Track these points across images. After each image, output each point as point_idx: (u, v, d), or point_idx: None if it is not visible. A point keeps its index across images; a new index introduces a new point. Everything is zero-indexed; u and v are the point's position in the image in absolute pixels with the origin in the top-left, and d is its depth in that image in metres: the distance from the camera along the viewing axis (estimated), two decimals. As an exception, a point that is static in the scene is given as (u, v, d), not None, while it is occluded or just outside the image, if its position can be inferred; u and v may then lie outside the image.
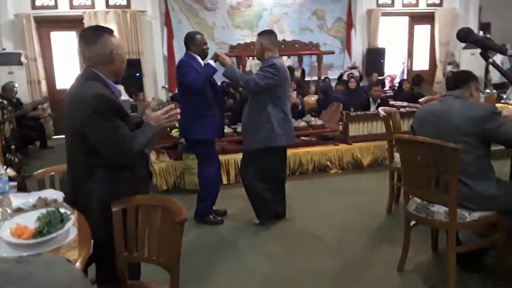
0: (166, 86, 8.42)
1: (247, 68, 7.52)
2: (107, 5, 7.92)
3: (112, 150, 1.76)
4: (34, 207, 1.58)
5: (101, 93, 1.75)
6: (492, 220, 2.44)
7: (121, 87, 4.72)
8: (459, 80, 2.52)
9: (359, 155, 5.06)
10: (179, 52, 7.97)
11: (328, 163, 4.99)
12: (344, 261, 2.97)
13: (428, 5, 9.58)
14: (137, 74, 7.96)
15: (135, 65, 7.87)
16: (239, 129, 4.54)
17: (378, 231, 3.45)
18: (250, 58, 7.69)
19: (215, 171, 3.64)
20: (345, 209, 3.90)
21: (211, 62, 3.40)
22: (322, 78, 7.52)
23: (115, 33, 6.94)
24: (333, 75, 8.62)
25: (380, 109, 3.90)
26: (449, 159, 2.31)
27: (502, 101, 3.59)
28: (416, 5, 9.51)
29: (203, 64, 3.48)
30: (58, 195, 1.73)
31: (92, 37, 1.84)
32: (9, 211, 1.49)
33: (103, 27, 1.92)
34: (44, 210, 1.48)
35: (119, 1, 8.00)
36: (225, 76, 3.42)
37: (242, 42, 7.65)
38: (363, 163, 5.06)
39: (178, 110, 2.03)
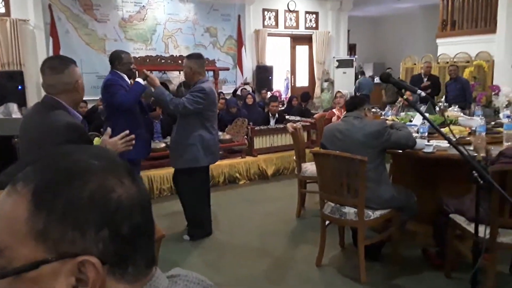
0: (53, 100, 7.88)
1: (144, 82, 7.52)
2: (-17, 12, 7.15)
3: None
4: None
5: (72, 122, 1.81)
6: (389, 216, 3.05)
7: (14, 105, 4.43)
8: (356, 103, 3.13)
9: (264, 166, 5.53)
10: (68, 65, 7.56)
11: (237, 174, 5.35)
12: (270, 262, 3.33)
13: (306, 28, 10.70)
14: (19, 87, 7.32)
15: (16, 78, 7.21)
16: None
17: (293, 233, 3.90)
18: (148, 72, 7.73)
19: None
20: (260, 216, 4.29)
21: (140, 80, 3.43)
22: (218, 92, 7.90)
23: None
24: (227, 90, 9.06)
25: (288, 125, 4.39)
26: (357, 168, 2.84)
27: (382, 117, 4.37)
28: (297, 27, 10.54)
29: (129, 83, 3.50)
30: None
31: (60, 66, 1.88)
32: None
33: (68, 57, 1.97)
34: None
35: (-3, 8, 7.28)
36: (155, 98, 3.50)
37: (137, 56, 7.61)
38: (268, 173, 5.54)
39: (133, 136, 2.15)
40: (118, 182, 0.56)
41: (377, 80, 13.36)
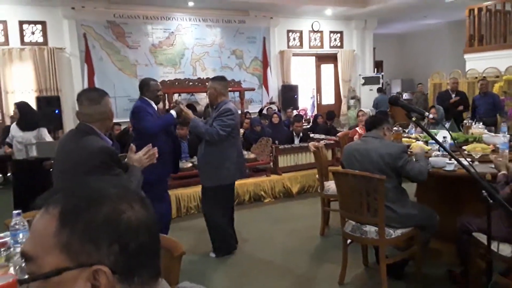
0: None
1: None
2: (22, 42, 7.67)
3: None
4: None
5: (105, 146, 1.99)
6: (410, 235, 3.04)
7: (45, 130, 4.72)
8: (374, 122, 3.16)
9: (289, 184, 5.59)
10: (101, 88, 7.94)
11: (262, 193, 5.43)
12: (293, 281, 3.37)
13: (331, 47, 10.81)
14: (56, 111, 7.75)
15: (53, 102, 7.69)
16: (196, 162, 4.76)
17: (316, 251, 3.92)
18: (176, 94, 8.02)
19: (167, 207, 3.83)
20: (284, 234, 4.34)
21: (173, 113, 3.62)
22: (245, 112, 8.07)
23: (31, 70, 6.87)
24: (253, 109, 9.24)
25: (310, 144, 4.47)
26: (375, 187, 2.87)
27: (405, 135, 4.38)
28: (321, 47, 10.68)
29: (156, 109, 3.69)
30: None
31: (97, 97, 2.08)
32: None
33: (102, 89, 2.17)
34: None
35: (36, 38, 7.79)
36: (191, 130, 3.69)
37: (166, 79, 7.92)
38: (293, 191, 5.60)
39: (156, 149, 2.31)
40: (129, 207, 0.69)
41: (405, 96, 13.25)
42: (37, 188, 4.63)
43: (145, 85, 3.66)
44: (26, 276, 0.66)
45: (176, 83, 7.81)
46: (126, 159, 2.25)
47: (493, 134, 3.90)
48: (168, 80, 7.73)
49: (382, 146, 2.99)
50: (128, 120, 6.40)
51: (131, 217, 0.68)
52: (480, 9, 8.92)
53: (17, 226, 1.70)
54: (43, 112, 6.84)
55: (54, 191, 0.71)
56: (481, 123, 4.20)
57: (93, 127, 2.07)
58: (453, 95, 7.19)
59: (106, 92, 2.18)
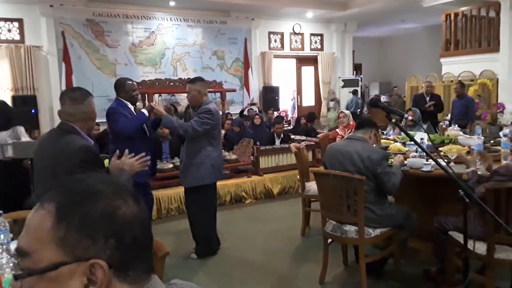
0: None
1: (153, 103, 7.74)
2: (-2, 39, 7.48)
3: None
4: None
5: (86, 145, 1.97)
6: (389, 234, 3.11)
7: (21, 128, 4.61)
8: (365, 123, 3.20)
9: (270, 185, 5.63)
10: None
11: (243, 193, 5.45)
12: (275, 280, 3.40)
13: (312, 49, 10.92)
14: (32, 111, 7.57)
15: (29, 102, 7.50)
16: (177, 163, 4.74)
17: (297, 251, 3.96)
18: (157, 94, 7.96)
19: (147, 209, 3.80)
20: (266, 234, 4.36)
21: (145, 111, 3.58)
22: (226, 113, 8.07)
23: (7, 68, 6.70)
24: (234, 110, 9.24)
25: (292, 145, 4.51)
26: (356, 188, 2.93)
27: (383, 137, 4.47)
28: (302, 49, 10.77)
29: (133, 110, 3.64)
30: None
31: (80, 97, 2.05)
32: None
33: (85, 89, 2.14)
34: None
35: (12, 35, 7.60)
36: (164, 126, 3.66)
37: (146, 79, 7.86)
38: (274, 192, 5.64)
39: (149, 157, 2.29)
40: (123, 202, 0.70)
41: (383, 98, 13.47)
42: (15, 188, 4.53)
43: (120, 85, 3.60)
44: (21, 272, 0.66)
45: (157, 83, 7.75)
46: (109, 164, 2.22)
47: (468, 136, 4.02)
48: (148, 80, 7.68)
49: (365, 149, 3.03)
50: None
51: (126, 212, 0.69)
52: (456, 14, 9.17)
53: (-3, 227, 1.66)
54: (19, 112, 6.68)
55: (47, 187, 0.71)
56: (456, 126, 4.33)
57: (74, 126, 2.05)
58: (428, 98, 7.36)
59: (90, 92, 2.15)
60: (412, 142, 3.76)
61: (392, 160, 3.25)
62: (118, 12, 8.38)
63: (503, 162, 3.33)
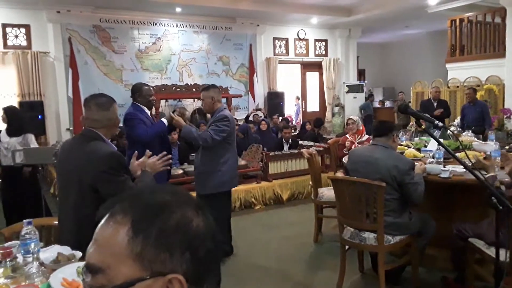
0: (71, 128, 8.12)
1: (160, 110, 7.75)
2: (5, 45, 7.48)
3: None
4: (57, 262, 1.66)
5: (114, 151, 1.96)
6: (407, 241, 3.08)
7: (32, 136, 4.61)
8: (384, 129, 3.14)
9: (279, 191, 5.60)
10: (86, 94, 7.74)
11: (253, 199, 5.42)
12: (291, 287, 3.37)
13: (316, 55, 10.94)
14: (39, 116, 7.56)
15: (36, 108, 7.50)
16: (187, 169, 4.70)
17: (312, 258, 3.93)
18: (163, 100, 7.96)
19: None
20: (278, 241, 4.33)
21: (165, 121, 3.58)
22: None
23: (14, 74, 6.71)
24: (239, 116, 9.24)
25: (304, 151, 4.49)
26: (375, 194, 2.90)
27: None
28: (307, 54, 10.79)
29: (149, 114, 3.65)
30: (70, 250, 1.81)
31: (107, 103, 2.04)
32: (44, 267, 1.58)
33: (110, 96, 2.13)
34: (77, 264, 1.60)
35: (19, 41, 7.61)
36: (183, 136, 3.65)
37: (152, 85, 7.84)
38: (283, 198, 5.61)
39: (170, 156, 2.28)
40: (195, 213, 0.68)
41: (387, 104, 13.48)
42: (26, 195, 4.52)
43: (137, 90, 3.63)
44: None
45: (163, 89, 7.76)
46: (130, 166, 2.21)
47: (482, 142, 4.00)
48: (154, 86, 7.66)
49: (392, 157, 2.98)
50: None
51: (199, 224, 0.67)
52: (461, 20, 9.19)
53: (27, 236, 1.64)
54: (25, 118, 6.67)
55: (114, 200, 0.69)
56: (470, 131, 4.31)
57: (99, 133, 2.03)
58: (435, 104, 7.35)
59: (113, 99, 2.14)
60: (428, 148, 3.75)
61: None
62: (125, 18, 8.40)
63: (521, 168, 3.30)
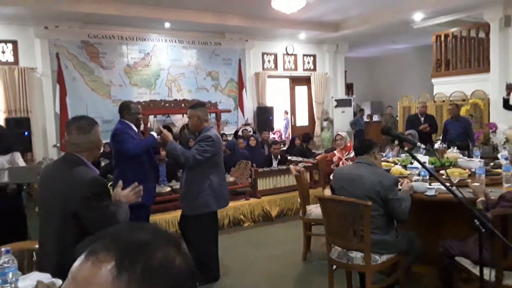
0: (58, 145, 8.03)
1: (149, 125, 7.71)
2: (-8, 61, 7.43)
3: (103, 227, 1.90)
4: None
5: (96, 177, 1.93)
6: (395, 260, 3.08)
7: (18, 154, 4.55)
8: (365, 147, 3.18)
9: (268, 207, 5.58)
10: (74, 110, 7.78)
11: (242, 216, 5.39)
12: (279, 309, 3.33)
13: (305, 69, 11.04)
14: (25, 133, 7.47)
15: (23, 124, 7.41)
16: (175, 186, 4.66)
17: (301, 277, 3.90)
18: (151, 116, 7.94)
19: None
20: (267, 259, 4.30)
21: (154, 134, 3.58)
22: (220, 133, 8.06)
23: (1, 90, 6.64)
24: (229, 130, 9.24)
25: (292, 167, 4.49)
26: (362, 213, 2.90)
27: (383, 159, 4.47)
28: (295, 69, 10.88)
29: (137, 131, 3.64)
30: (50, 278, 1.78)
31: (87, 127, 2.02)
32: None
33: (92, 118, 2.11)
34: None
35: (6, 57, 7.56)
36: (167, 151, 3.63)
37: (141, 100, 7.83)
38: (272, 215, 5.58)
39: (141, 187, 2.27)
40: (176, 252, 0.68)
41: (375, 118, 13.61)
42: (9, 214, 4.43)
43: (125, 108, 3.65)
44: None
45: (152, 104, 7.74)
46: (114, 194, 2.19)
47: (467, 158, 4.04)
48: (143, 101, 7.65)
49: (376, 173, 3.01)
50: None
51: (180, 263, 0.66)
52: (446, 35, 9.36)
53: (5, 265, 1.60)
54: (12, 134, 6.60)
55: (94, 238, 0.67)
56: (455, 148, 4.35)
57: (81, 157, 2.01)
58: (422, 119, 7.43)
59: (95, 121, 2.12)
60: (414, 165, 3.78)
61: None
62: (113, 33, 8.40)
63: (505, 185, 3.35)
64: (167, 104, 7.87)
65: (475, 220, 1.79)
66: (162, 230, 0.71)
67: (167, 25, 8.46)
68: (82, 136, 2.02)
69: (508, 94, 6.21)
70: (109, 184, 2.77)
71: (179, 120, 8.74)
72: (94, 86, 8.32)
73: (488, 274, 2.61)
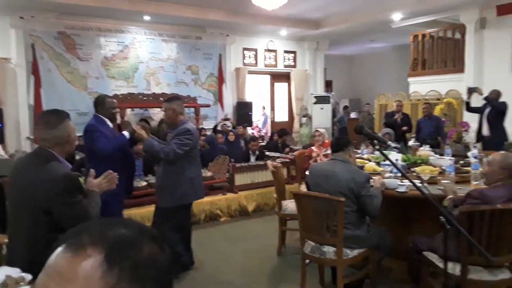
0: (31, 137, 7.86)
1: (125, 119, 7.62)
2: (-37, 51, 7.19)
3: (75, 223, 1.89)
4: (5, 286, 1.61)
5: (68, 173, 1.91)
6: (366, 254, 3.16)
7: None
8: (341, 144, 3.24)
9: (245, 202, 5.61)
10: (48, 102, 7.62)
11: (219, 211, 5.40)
12: (253, 303, 3.37)
13: (285, 66, 11.08)
14: (-2, 125, 7.29)
15: (-5, 116, 7.23)
16: (151, 181, 4.64)
17: (274, 271, 3.95)
18: (129, 109, 7.84)
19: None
20: (243, 254, 4.33)
21: (126, 133, 3.53)
22: (199, 128, 8.03)
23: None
24: (208, 125, 9.21)
25: (269, 163, 4.53)
26: (336, 209, 2.96)
27: (357, 155, 4.56)
28: (276, 65, 10.91)
29: (112, 126, 3.59)
30: (20, 272, 1.75)
31: (54, 121, 1.98)
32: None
33: (62, 111, 2.07)
34: (26, 289, 1.55)
35: (-22, 47, 7.34)
36: (145, 151, 3.60)
37: (118, 93, 7.72)
38: (249, 210, 5.62)
39: (115, 174, 2.25)
40: (160, 247, 0.69)
41: (353, 115, 13.79)
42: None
43: (100, 103, 3.59)
44: None
45: (129, 98, 7.64)
46: (85, 184, 2.18)
47: (438, 156, 4.16)
48: (120, 94, 7.55)
49: (350, 170, 3.08)
50: (77, 135, 6.22)
51: (164, 257, 0.68)
52: (423, 36, 9.55)
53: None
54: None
55: (77, 231, 0.66)
56: (427, 146, 4.47)
57: (52, 152, 1.98)
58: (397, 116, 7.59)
59: (67, 114, 2.08)
60: (387, 162, 3.86)
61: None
62: (91, 25, 8.24)
63: (473, 183, 3.46)
64: (145, 98, 7.78)
65: (441, 217, 1.86)
66: (145, 226, 0.72)
67: (146, 18, 8.36)
68: (50, 131, 1.98)
69: (469, 98, 6.42)
70: (83, 178, 2.73)
71: (158, 113, 8.66)
72: (70, 78, 8.16)
73: (454, 269, 2.71)
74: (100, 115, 3.56)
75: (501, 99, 7.05)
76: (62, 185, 1.88)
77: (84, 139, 3.57)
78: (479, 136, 6.64)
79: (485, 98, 6.28)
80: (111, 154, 3.41)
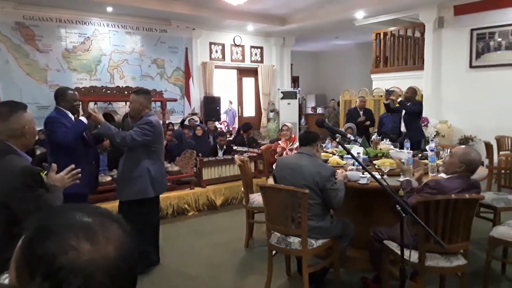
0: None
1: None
2: None
3: None
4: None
5: (27, 166, 1.86)
6: (329, 244, 3.26)
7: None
8: (309, 139, 3.32)
9: (213, 196, 5.63)
10: (6, 94, 7.33)
11: (186, 206, 5.39)
12: (220, 295, 3.41)
13: (252, 61, 11.13)
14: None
15: None
16: (116, 175, 4.56)
17: (242, 263, 4.00)
18: (92, 103, 7.65)
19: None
20: (210, 247, 4.36)
21: (83, 119, 3.46)
22: (167, 123, 7.95)
23: None
24: (175, 120, 9.13)
25: (236, 157, 4.56)
26: (300, 201, 3.04)
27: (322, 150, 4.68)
28: (243, 60, 10.94)
29: (73, 119, 3.51)
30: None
31: (6, 113, 1.93)
32: None
33: (17, 103, 2.02)
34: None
35: None
36: (101, 134, 3.54)
37: (80, 86, 7.52)
38: (217, 204, 5.64)
39: (79, 170, 2.22)
40: (85, 243, 0.65)
41: (319, 110, 14.04)
42: None
43: (61, 95, 3.50)
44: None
45: (92, 91, 7.45)
46: (47, 179, 2.13)
47: (398, 150, 4.33)
48: (83, 88, 7.35)
49: (315, 164, 3.16)
50: (38, 129, 6.07)
51: (76, 258, 0.64)
52: (385, 34, 9.84)
53: None
54: None
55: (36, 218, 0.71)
56: (388, 140, 4.64)
57: (9, 144, 1.93)
58: (361, 112, 7.82)
59: (23, 106, 2.02)
60: (350, 156, 3.98)
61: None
62: (51, 16, 7.97)
63: (430, 174, 3.64)
64: (109, 91, 7.61)
65: (397, 206, 1.96)
66: (90, 219, 0.71)
67: (109, 9, 8.17)
68: (2, 123, 1.93)
69: (387, 99, 6.72)
70: (44, 173, 2.65)
71: (122, 108, 8.50)
72: (29, 70, 7.87)
73: (412, 256, 2.85)
74: (61, 108, 3.47)
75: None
76: (21, 178, 1.84)
77: (45, 132, 3.48)
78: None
79: (400, 102, 6.62)
80: (73, 144, 3.34)
